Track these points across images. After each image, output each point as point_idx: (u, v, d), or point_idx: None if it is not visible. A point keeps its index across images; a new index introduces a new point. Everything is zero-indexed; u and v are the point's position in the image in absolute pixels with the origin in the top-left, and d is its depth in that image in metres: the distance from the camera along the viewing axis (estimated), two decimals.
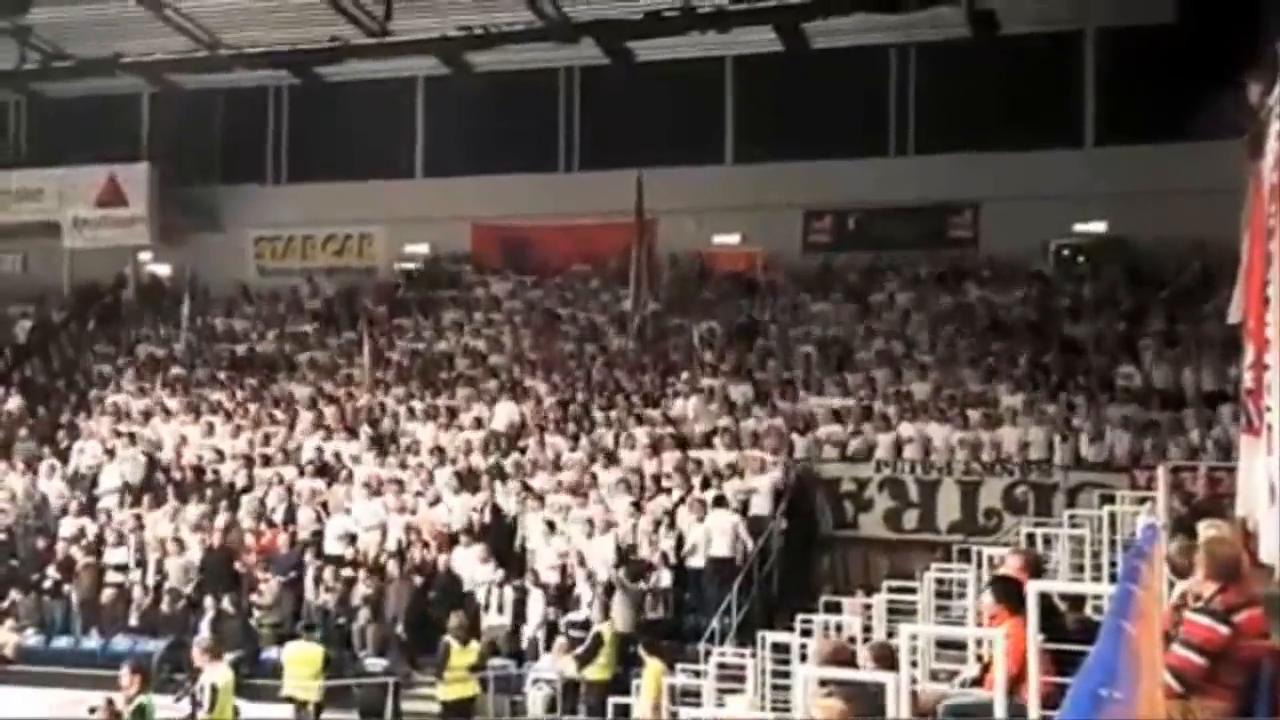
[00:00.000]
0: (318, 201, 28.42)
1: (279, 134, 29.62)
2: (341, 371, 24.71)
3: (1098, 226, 24.34)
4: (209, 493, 21.15)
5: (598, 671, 16.43)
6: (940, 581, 13.24)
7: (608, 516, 18.78)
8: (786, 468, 19.58)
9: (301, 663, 16.44)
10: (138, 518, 20.80)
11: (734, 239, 26.47)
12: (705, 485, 19.07)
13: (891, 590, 13.28)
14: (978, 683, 7.47)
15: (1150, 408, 19.59)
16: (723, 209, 25.88)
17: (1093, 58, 24.52)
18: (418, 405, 22.75)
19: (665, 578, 17.88)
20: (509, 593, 18.22)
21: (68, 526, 20.94)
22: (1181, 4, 22.54)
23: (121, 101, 29.43)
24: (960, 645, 9.25)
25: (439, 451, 21.11)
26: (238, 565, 19.62)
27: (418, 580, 18.67)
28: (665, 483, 19.40)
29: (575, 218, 26.31)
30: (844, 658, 7.96)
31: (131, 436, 22.79)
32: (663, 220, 25.08)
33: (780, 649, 12.30)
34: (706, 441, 20.36)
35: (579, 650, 16.67)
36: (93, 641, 19.49)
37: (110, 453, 22.38)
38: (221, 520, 20.14)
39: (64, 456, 22.92)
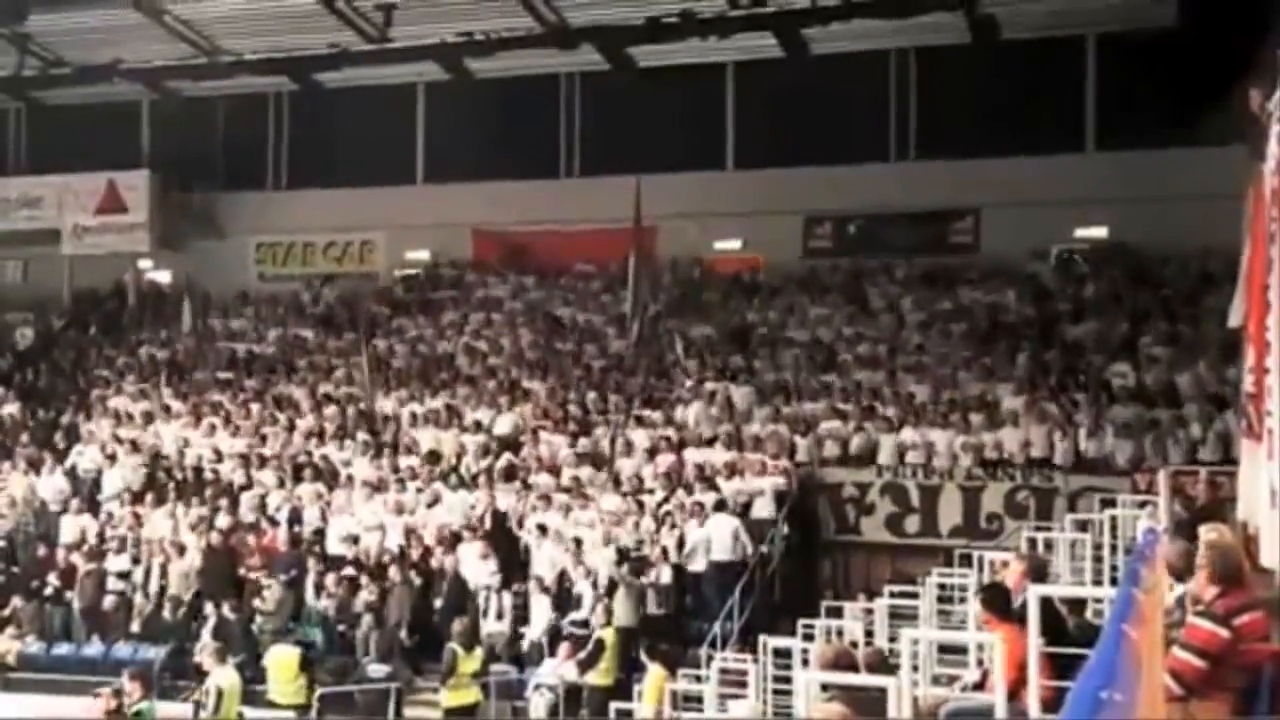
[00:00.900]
0: (318, 208, 28.44)
1: (279, 140, 29.65)
2: (341, 373, 24.72)
3: (1099, 232, 24.34)
4: (209, 492, 21.16)
5: (600, 677, 16.42)
6: (942, 586, 13.26)
7: (608, 517, 18.77)
8: (788, 472, 19.57)
9: (278, 666, 16.43)
10: (136, 515, 20.77)
11: (735, 244, 26.49)
12: (710, 487, 19.05)
13: (893, 595, 13.29)
14: (978, 687, 7.47)
15: (1151, 408, 19.59)
16: (724, 215, 25.90)
17: (1094, 63, 24.55)
18: (418, 408, 22.77)
19: (666, 573, 17.86)
20: (508, 598, 18.19)
21: (68, 532, 20.92)
22: (1183, 9, 22.55)
23: (121, 108, 29.46)
24: (962, 650, 9.24)
25: (438, 454, 21.10)
26: (240, 569, 19.59)
27: (421, 585, 18.64)
28: (664, 484, 19.39)
29: (576, 224, 26.31)
30: (846, 663, 7.95)
31: (133, 443, 22.79)
32: (664, 226, 25.10)
33: (782, 654, 12.30)
34: (707, 444, 20.36)
35: (581, 656, 16.66)
36: (94, 648, 19.47)
37: (111, 457, 22.38)
38: (222, 522, 20.12)
39: (64, 461, 22.90)
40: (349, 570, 19.04)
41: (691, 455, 20.09)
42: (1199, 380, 19.89)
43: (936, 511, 19.42)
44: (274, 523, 20.26)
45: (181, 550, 19.85)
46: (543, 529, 18.81)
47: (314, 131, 28.90)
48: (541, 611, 18.05)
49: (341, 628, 18.63)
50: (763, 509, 18.93)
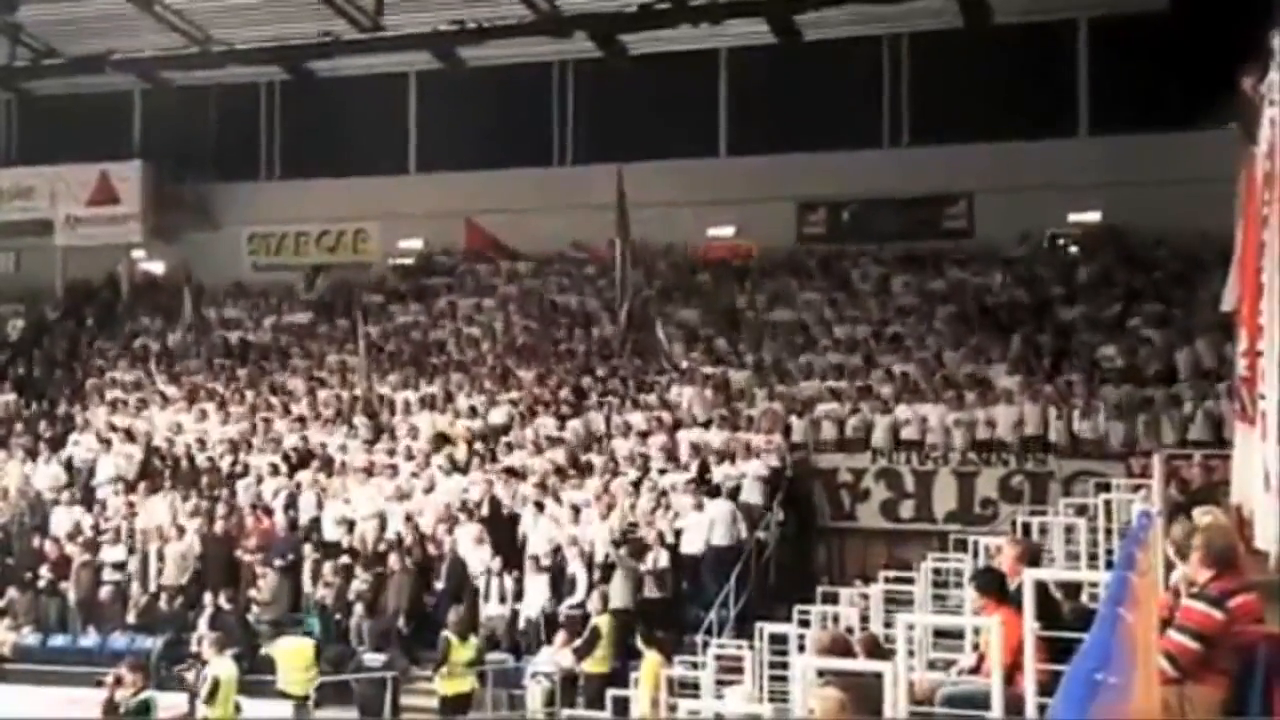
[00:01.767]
0: (311, 197, 28.40)
1: (272, 130, 29.59)
2: (335, 360, 24.72)
3: (1092, 216, 24.36)
4: (205, 480, 21.16)
5: (596, 664, 16.45)
6: (937, 571, 13.28)
7: (604, 499, 18.79)
8: (780, 454, 19.61)
9: (293, 657, 16.46)
10: (130, 505, 20.77)
11: (728, 231, 26.49)
12: (703, 469, 19.07)
13: (889, 580, 13.32)
14: (974, 671, 7.49)
15: (1143, 388, 19.63)
16: (717, 201, 25.88)
17: (1086, 47, 24.53)
18: (412, 393, 22.79)
19: (663, 558, 17.89)
20: (508, 582, 18.21)
21: (62, 521, 20.92)
22: None
23: (113, 99, 29.36)
24: (958, 635, 9.27)
25: (435, 438, 21.12)
26: (237, 552, 19.58)
27: (418, 573, 18.66)
28: (656, 465, 19.42)
29: (570, 210, 26.26)
30: (842, 648, 7.98)
31: (128, 431, 22.78)
32: (657, 212, 25.08)
33: (778, 640, 12.32)
34: (701, 426, 20.39)
35: (577, 643, 16.68)
36: (90, 639, 19.48)
37: (106, 443, 22.37)
38: (219, 509, 20.12)
39: (59, 452, 22.89)
40: (344, 559, 19.04)
41: (685, 436, 20.10)
42: (1191, 361, 19.94)
43: (931, 497, 19.46)
44: (269, 512, 20.25)
45: (181, 532, 19.83)
46: (540, 506, 18.82)
47: (306, 121, 28.85)
48: (537, 590, 18.05)
49: (338, 616, 18.64)
50: (752, 494, 18.92)
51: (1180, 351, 20.24)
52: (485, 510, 19.14)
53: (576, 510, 18.69)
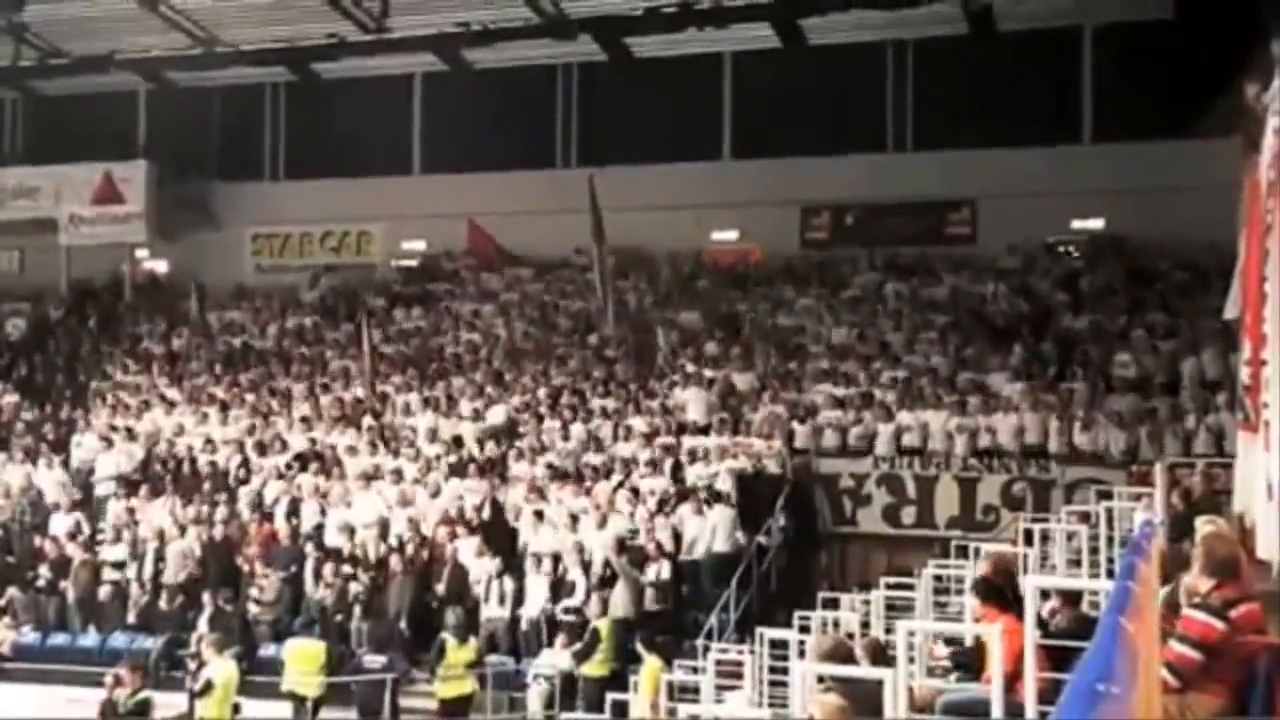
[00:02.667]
0: (315, 198, 28.41)
1: (276, 131, 29.62)
2: (338, 364, 24.73)
3: (1095, 223, 24.35)
4: (206, 486, 21.15)
5: (595, 667, 16.44)
6: (938, 578, 13.24)
7: (602, 507, 18.78)
8: (781, 459, 19.60)
9: (304, 658, 16.46)
10: (131, 511, 20.75)
11: (732, 235, 26.49)
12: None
13: (890, 586, 13.29)
14: (968, 668, 7.48)
15: (1147, 399, 19.62)
16: (720, 205, 25.89)
17: (1091, 54, 24.54)
18: (415, 397, 22.78)
19: (665, 569, 17.88)
20: (508, 584, 18.19)
21: (63, 522, 20.91)
22: (1180, 1, 22.55)
23: (118, 99, 29.38)
24: (959, 641, 9.25)
25: (437, 442, 21.13)
26: (239, 560, 19.58)
27: (419, 575, 18.65)
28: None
29: (574, 214, 26.23)
30: (842, 654, 7.97)
31: (129, 430, 22.78)
32: (660, 216, 25.11)
33: (778, 645, 12.29)
34: (701, 431, 20.38)
35: (577, 647, 16.67)
36: (90, 639, 19.47)
37: (107, 441, 22.37)
38: (221, 513, 20.12)
39: (60, 451, 22.88)
40: (346, 567, 19.01)
41: (687, 442, 20.10)
42: (1195, 373, 19.92)
43: (933, 503, 19.44)
44: (269, 518, 20.22)
45: (182, 530, 19.81)
46: (539, 515, 18.81)
47: (311, 122, 28.87)
48: (537, 591, 18.04)
49: (338, 618, 18.63)
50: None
51: (1184, 362, 20.21)
52: (487, 513, 19.12)
53: (575, 518, 18.66)
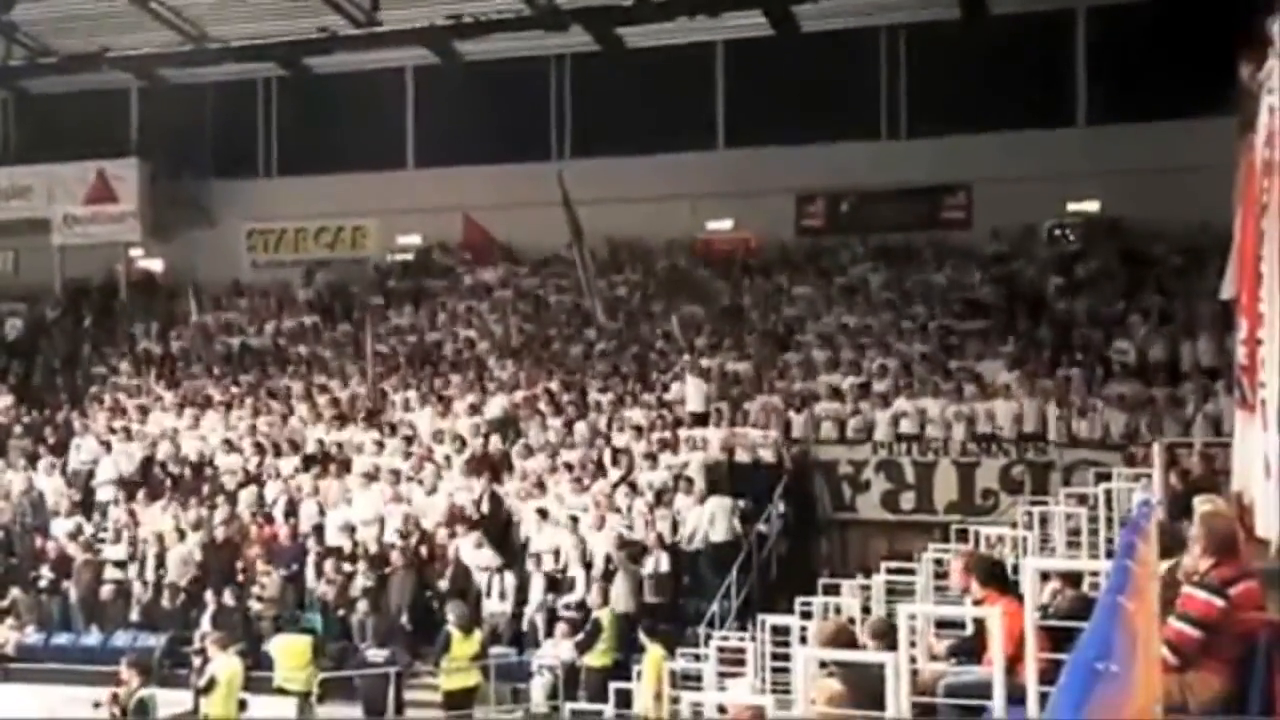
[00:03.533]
0: (309, 194, 28.38)
1: (269, 127, 29.56)
2: (337, 362, 24.70)
3: (1091, 206, 24.35)
4: (206, 487, 21.14)
5: (597, 658, 16.47)
6: (938, 562, 13.27)
7: (604, 500, 18.79)
8: (777, 449, 19.61)
9: (290, 654, 16.47)
10: (131, 513, 20.75)
11: (726, 224, 26.47)
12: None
13: (890, 571, 13.32)
14: (968, 653, 7.50)
15: (1144, 383, 19.64)
16: (715, 194, 25.87)
17: (1084, 36, 24.50)
18: (413, 394, 22.77)
19: (664, 561, 17.91)
20: (509, 579, 18.21)
21: (64, 524, 20.91)
22: None
23: (109, 97, 29.33)
24: (959, 625, 9.27)
25: (436, 438, 21.13)
26: (240, 562, 19.57)
27: (422, 570, 18.67)
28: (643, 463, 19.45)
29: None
30: (844, 639, 7.98)
31: (128, 431, 22.77)
32: (655, 206, 25.08)
33: (780, 632, 12.32)
34: (699, 422, 20.38)
35: (579, 637, 16.70)
36: (93, 638, 19.49)
37: (106, 445, 22.35)
38: (221, 514, 20.12)
39: (59, 453, 22.87)
40: (347, 565, 19.02)
41: (684, 434, 20.09)
42: (1192, 354, 19.93)
43: (932, 488, 19.47)
44: (270, 519, 20.22)
45: (182, 535, 19.82)
46: (542, 513, 18.82)
47: (303, 117, 28.82)
48: (538, 588, 18.05)
49: (340, 613, 18.65)
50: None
51: (1182, 346, 20.21)
52: (486, 508, 19.13)
53: (575, 519, 18.66)
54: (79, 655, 18.94)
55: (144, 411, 23.86)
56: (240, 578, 19.23)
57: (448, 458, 20.68)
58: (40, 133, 29.69)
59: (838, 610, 12.66)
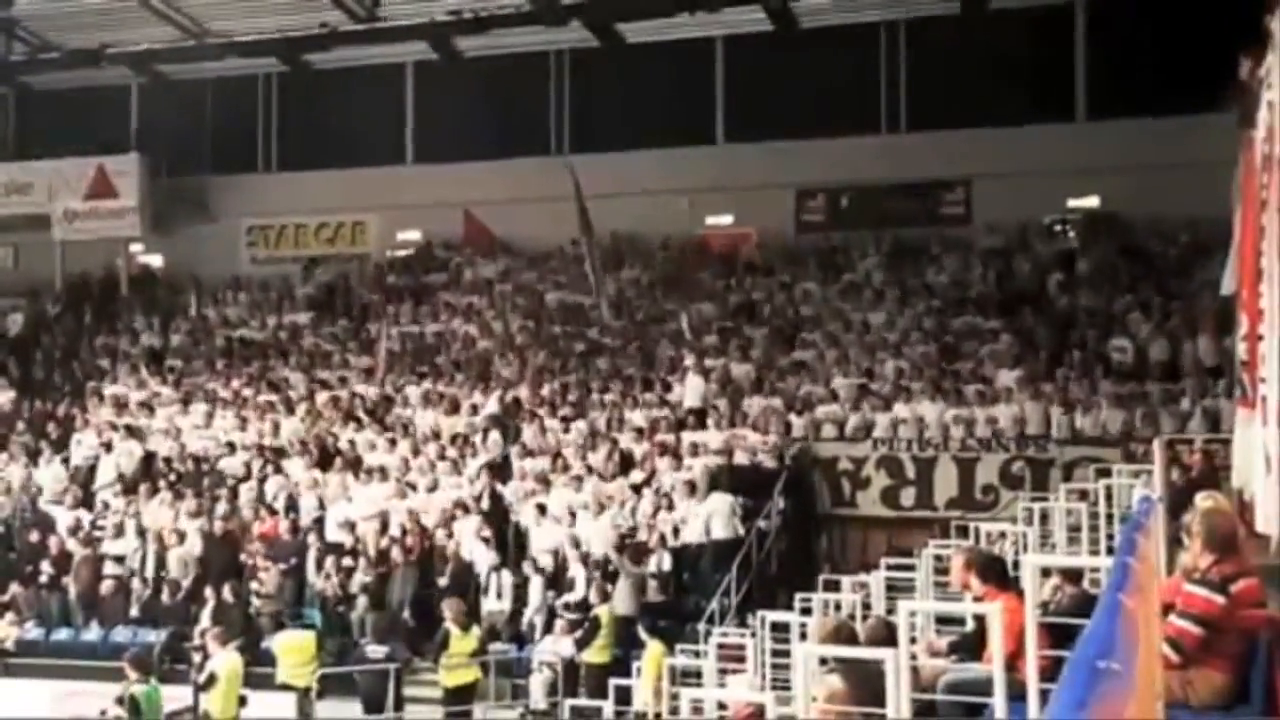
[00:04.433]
0: (309, 189, 28.36)
1: (269, 122, 29.55)
2: (337, 357, 24.70)
3: (1090, 201, 24.33)
4: (206, 481, 21.15)
5: (597, 654, 16.47)
6: (938, 558, 13.26)
7: (605, 500, 18.79)
8: (777, 451, 19.62)
9: (293, 650, 16.48)
10: (133, 505, 20.74)
11: (726, 219, 26.46)
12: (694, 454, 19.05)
13: (890, 567, 13.32)
14: (970, 650, 7.49)
15: (1144, 380, 19.63)
16: (715, 190, 25.85)
17: (1084, 31, 24.48)
18: (413, 390, 22.76)
19: (666, 561, 17.91)
20: (507, 577, 18.22)
21: (64, 519, 20.92)
22: None
23: (110, 92, 29.33)
24: (959, 621, 9.27)
25: (436, 435, 21.13)
26: (241, 556, 19.57)
27: (421, 566, 18.67)
28: (655, 465, 19.44)
29: (569, 200, 26.18)
30: (845, 635, 7.98)
31: (129, 428, 22.77)
32: (654, 202, 25.07)
33: (780, 628, 12.33)
34: (700, 422, 20.38)
35: (578, 634, 16.71)
36: (93, 634, 19.50)
37: (107, 445, 22.36)
38: (221, 509, 20.12)
39: (60, 449, 22.88)
40: (347, 560, 19.03)
41: (687, 436, 20.08)
42: (1191, 350, 19.92)
43: (932, 484, 19.46)
44: (272, 511, 20.23)
45: (181, 537, 19.84)
46: (541, 509, 18.82)
47: (304, 113, 28.83)
48: (537, 590, 18.06)
49: (340, 609, 18.66)
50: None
51: (1180, 342, 20.19)
52: (485, 504, 19.12)
53: (573, 513, 18.66)
54: (79, 651, 18.96)
55: (144, 405, 23.86)
56: (240, 573, 19.23)
57: (447, 453, 20.65)
58: (41, 128, 29.69)
59: (837, 607, 12.66)
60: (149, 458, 22.18)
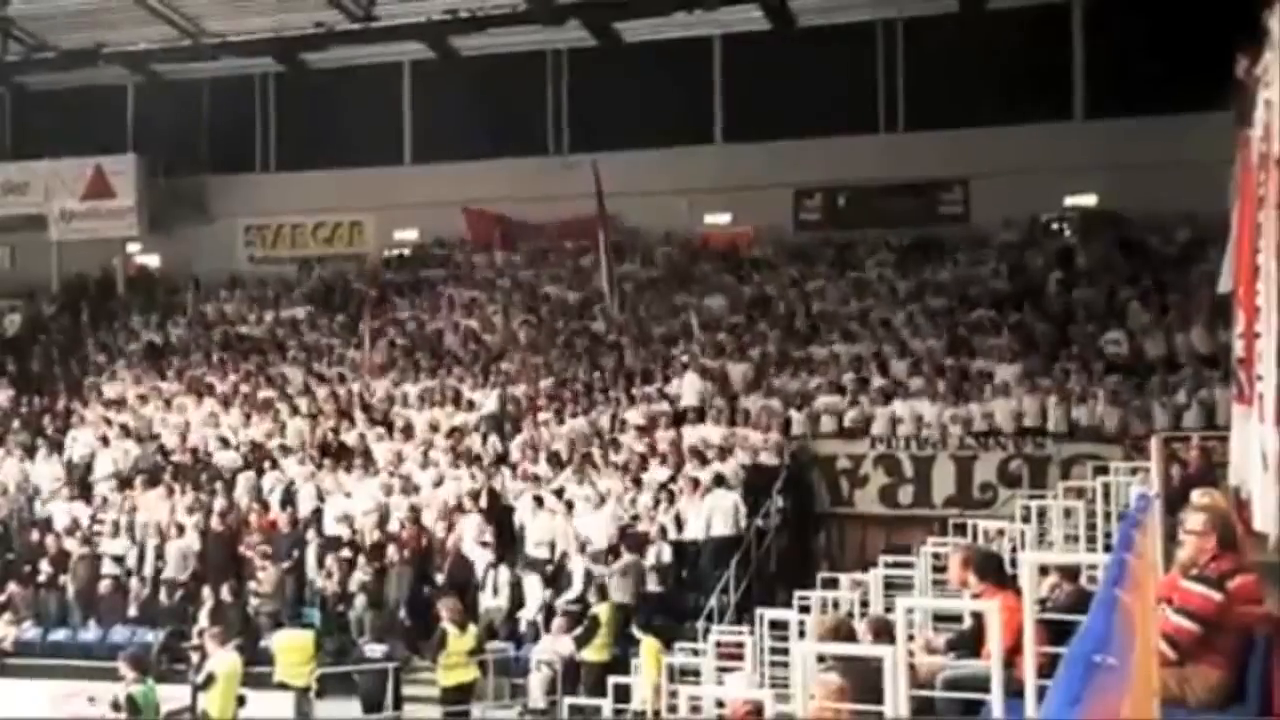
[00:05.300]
0: (306, 189, 28.36)
1: (266, 122, 29.54)
2: (335, 354, 24.71)
3: (1088, 200, 24.34)
4: (204, 476, 21.15)
5: (595, 652, 16.47)
6: (936, 556, 13.28)
7: (605, 495, 18.79)
8: (778, 448, 19.62)
9: (292, 650, 16.47)
10: (130, 503, 20.72)
11: (725, 219, 26.46)
12: (702, 463, 19.07)
13: (888, 565, 13.33)
14: (968, 647, 7.50)
15: (1139, 375, 19.64)
16: (713, 189, 25.86)
17: (1081, 30, 24.49)
18: (411, 387, 22.77)
19: (666, 552, 17.91)
20: (504, 573, 18.20)
21: (61, 517, 20.91)
22: None
23: (106, 92, 29.32)
24: (957, 618, 9.28)
25: (434, 432, 21.13)
26: (241, 549, 19.56)
27: (419, 564, 18.67)
28: (662, 460, 19.42)
29: (565, 200, 26.21)
30: (844, 633, 7.99)
31: (125, 427, 22.77)
32: (653, 201, 25.07)
33: (778, 626, 12.35)
34: (700, 419, 20.38)
35: (577, 632, 16.71)
36: (90, 633, 19.49)
37: (104, 440, 22.36)
38: (219, 504, 20.12)
39: (57, 447, 22.88)
40: (345, 552, 19.04)
41: (688, 432, 20.08)
42: (1187, 346, 19.95)
43: (930, 482, 19.47)
44: (266, 507, 20.23)
45: (180, 530, 19.82)
46: (539, 500, 18.82)
47: (301, 113, 28.81)
48: (535, 590, 18.06)
49: (340, 608, 18.66)
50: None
51: (1177, 337, 20.23)
52: (484, 502, 19.13)
53: (570, 505, 18.65)
54: (77, 651, 18.96)
55: (142, 399, 23.87)
56: (239, 572, 19.22)
57: (445, 449, 20.65)
58: (37, 129, 29.67)
59: (836, 605, 12.68)
60: (145, 451, 22.14)
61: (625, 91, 26.32)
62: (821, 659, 7.11)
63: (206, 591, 18.68)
